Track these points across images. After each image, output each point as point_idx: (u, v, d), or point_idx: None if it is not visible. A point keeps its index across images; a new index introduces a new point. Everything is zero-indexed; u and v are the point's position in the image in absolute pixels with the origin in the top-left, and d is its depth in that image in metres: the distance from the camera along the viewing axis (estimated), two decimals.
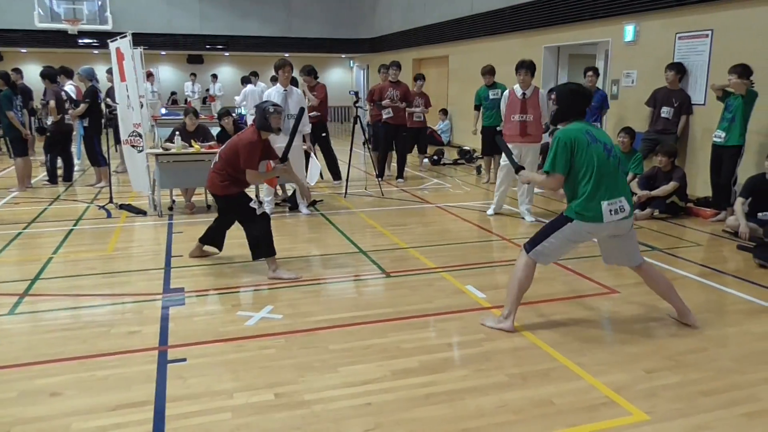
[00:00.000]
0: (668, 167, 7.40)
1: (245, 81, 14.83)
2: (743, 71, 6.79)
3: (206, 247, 5.59)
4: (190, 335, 3.91)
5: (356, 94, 9.16)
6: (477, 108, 9.85)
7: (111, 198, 7.89)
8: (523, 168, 4.33)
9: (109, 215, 7.40)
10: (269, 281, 4.98)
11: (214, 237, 5.51)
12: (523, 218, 7.30)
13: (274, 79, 15.66)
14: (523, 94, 7.08)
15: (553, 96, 4.03)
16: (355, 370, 3.45)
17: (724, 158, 7.03)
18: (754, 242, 5.87)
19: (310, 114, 8.57)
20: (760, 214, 6.33)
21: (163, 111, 16.27)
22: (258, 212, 5.11)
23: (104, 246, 6.04)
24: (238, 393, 3.18)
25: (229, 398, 3.13)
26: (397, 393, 3.20)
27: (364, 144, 9.60)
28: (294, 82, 8.11)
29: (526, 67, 7.01)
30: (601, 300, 4.63)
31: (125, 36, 7.33)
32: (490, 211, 7.56)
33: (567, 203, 3.90)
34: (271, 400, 3.12)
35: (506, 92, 7.34)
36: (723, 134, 6.98)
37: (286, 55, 22.77)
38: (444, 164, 12.05)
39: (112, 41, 7.83)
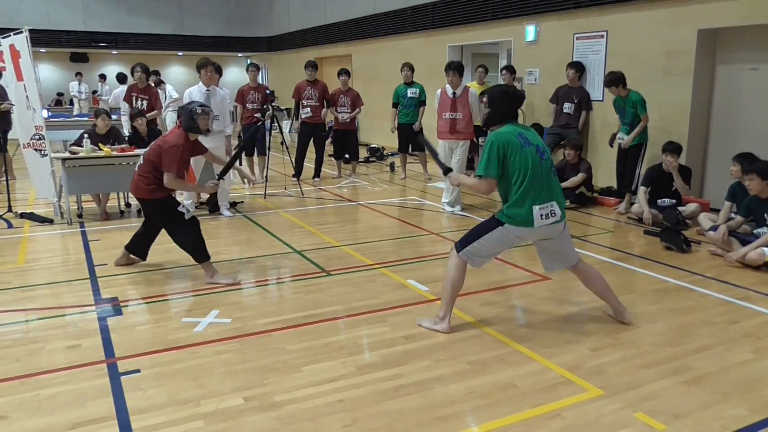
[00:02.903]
0: (575, 160, 7.88)
1: (121, 80, 13.84)
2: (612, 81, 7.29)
3: (132, 255, 5.33)
4: (137, 345, 3.73)
5: (272, 93, 9.02)
6: (394, 105, 9.92)
7: (9, 206, 7.30)
8: (451, 170, 4.26)
9: (9, 225, 6.85)
10: (207, 286, 4.83)
11: (140, 244, 5.26)
12: (443, 209, 7.55)
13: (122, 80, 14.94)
14: (453, 93, 7.34)
15: (484, 99, 3.93)
16: (319, 369, 3.44)
17: (629, 155, 7.55)
18: (659, 227, 6.39)
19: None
20: (659, 201, 6.91)
21: (45, 114, 15.15)
22: (186, 217, 4.94)
23: (13, 258, 5.60)
24: (205, 400, 3.09)
25: (196, 406, 3.03)
26: (366, 387, 3.23)
27: (282, 144, 9.44)
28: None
29: (454, 69, 7.29)
30: (536, 287, 4.88)
31: (20, 32, 6.82)
32: (449, 209, 7.57)
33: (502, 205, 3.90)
34: (241, 404, 3.06)
35: (438, 91, 7.57)
36: (625, 136, 7.47)
37: (180, 54, 22.07)
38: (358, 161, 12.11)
39: (3, 37, 7.25)
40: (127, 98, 8.32)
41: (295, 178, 9.43)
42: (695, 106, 7.46)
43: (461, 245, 3.91)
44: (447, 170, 4.22)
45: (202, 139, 6.40)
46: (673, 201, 6.80)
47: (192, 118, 4.92)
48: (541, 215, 3.69)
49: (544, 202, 3.70)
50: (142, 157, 5.02)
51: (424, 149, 9.89)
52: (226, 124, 7.21)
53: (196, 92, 6.93)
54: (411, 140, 9.80)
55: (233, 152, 5.51)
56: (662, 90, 7.69)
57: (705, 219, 6.10)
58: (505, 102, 3.86)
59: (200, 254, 4.94)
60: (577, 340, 3.85)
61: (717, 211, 6.32)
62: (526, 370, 3.43)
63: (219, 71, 7.36)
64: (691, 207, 6.73)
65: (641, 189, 6.94)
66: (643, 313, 4.27)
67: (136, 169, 5.00)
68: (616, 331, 3.98)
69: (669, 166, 6.73)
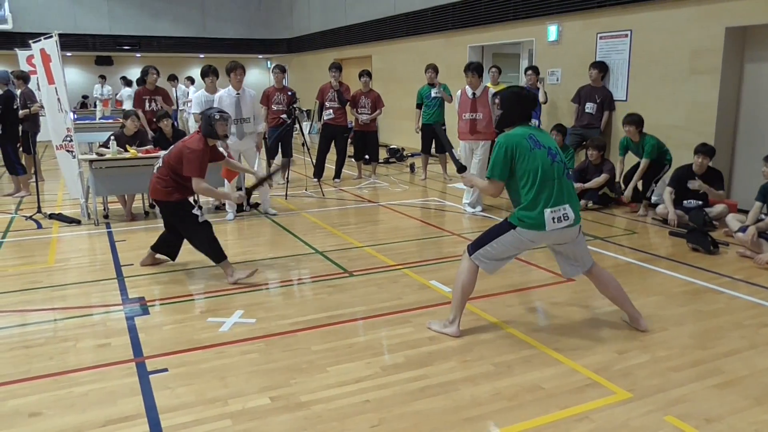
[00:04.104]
0: (598, 160, 7.81)
1: (140, 82, 14.09)
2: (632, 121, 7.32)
3: (158, 255, 5.39)
4: (165, 345, 3.78)
5: (294, 94, 9.07)
6: (418, 107, 9.92)
7: (39, 208, 7.43)
8: (466, 168, 4.13)
9: (39, 226, 6.97)
10: (231, 287, 4.86)
11: (168, 245, 5.31)
12: (464, 210, 7.56)
13: (189, 79, 15.37)
14: (473, 94, 7.34)
15: (497, 100, 3.87)
16: (344, 369, 3.45)
17: (653, 168, 7.43)
18: (685, 228, 6.31)
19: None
20: (685, 202, 6.81)
21: (71, 116, 15.38)
22: (200, 220, 4.98)
23: (44, 258, 5.70)
24: (232, 399, 3.12)
25: (224, 405, 3.06)
26: (392, 388, 3.23)
27: (303, 146, 9.48)
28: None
29: (473, 69, 7.30)
30: (560, 288, 4.84)
31: (50, 36, 6.94)
32: (470, 209, 7.59)
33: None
34: (267, 404, 3.08)
35: (458, 92, 7.58)
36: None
37: (201, 56, 22.25)
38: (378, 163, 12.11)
39: (34, 42, 7.39)
40: (139, 103, 8.18)
41: (315, 179, 9.46)
42: (722, 105, 7.35)
43: (473, 248, 3.85)
44: (461, 168, 4.10)
45: (235, 142, 6.60)
46: (700, 202, 6.70)
47: (210, 123, 4.98)
48: (553, 218, 3.61)
49: (556, 206, 3.62)
50: (161, 159, 5.10)
51: (444, 150, 9.88)
52: (258, 123, 7.34)
53: (225, 96, 7.01)
54: (434, 140, 9.81)
55: (268, 171, 5.53)
56: (688, 89, 7.60)
57: (733, 220, 6.00)
58: (517, 104, 3.79)
59: (215, 255, 4.99)
60: (604, 341, 3.82)
61: (745, 212, 6.21)
62: (552, 372, 3.41)
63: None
64: (718, 208, 6.62)
65: (667, 189, 6.84)
66: (671, 316, 4.22)
67: (155, 171, 5.08)
68: (644, 333, 3.93)
69: (699, 166, 6.61)
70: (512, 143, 3.64)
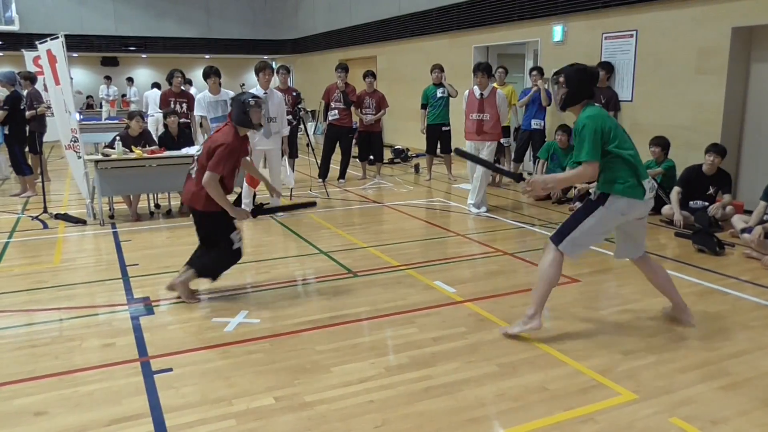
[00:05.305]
0: None
1: (154, 85, 14.32)
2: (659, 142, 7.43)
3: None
4: (170, 344, 3.78)
5: (298, 95, 9.07)
6: (423, 107, 9.92)
7: (45, 208, 7.46)
8: (524, 179, 3.83)
9: (45, 226, 6.99)
10: (236, 286, 4.86)
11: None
12: (469, 211, 7.54)
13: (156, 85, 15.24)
14: (481, 94, 7.35)
15: (561, 79, 3.71)
16: (348, 369, 3.45)
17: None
18: (691, 229, 6.28)
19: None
20: (691, 203, 6.79)
21: (77, 116, 15.41)
22: (234, 247, 4.52)
23: (50, 258, 5.72)
24: (237, 399, 3.12)
25: (228, 405, 3.06)
26: (396, 389, 3.23)
27: (307, 146, 9.48)
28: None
29: (483, 70, 7.30)
30: (565, 289, 4.82)
31: (56, 37, 6.96)
32: (474, 210, 7.58)
33: (599, 184, 3.71)
34: (272, 404, 3.08)
35: (466, 92, 7.58)
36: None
37: (207, 56, 22.29)
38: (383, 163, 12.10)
39: (41, 43, 7.42)
40: (165, 104, 8.25)
41: (320, 180, 9.47)
42: (729, 105, 7.32)
43: (559, 237, 3.79)
44: (520, 178, 3.90)
45: (261, 140, 6.43)
46: (706, 203, 6.67)
47: (244, 111, 4.44)
48: (649, 189, 3.67)
49: (646, 177, 3.69)
50: (195, 162, 4.51)
51: (449, 151, 9.89)
52: (283, 125, 7.40)
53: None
54: (438, 141, 9.82)
55: (294, 203, 4.91)
56: (694, 90, 7.57)
57: (739, 220, 5.97)
58: (583, 80, 3.70)
59: (211, 271, 4.55)
60: (609, 342, 3.80)
61: (751, 213, 6.18)
62: (557, 373, 3.40)
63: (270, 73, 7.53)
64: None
65: (674, 190, 6.81)
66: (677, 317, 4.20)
67: (193, 176, 4.48)
68: (649, 334, 3.92)
69: (709, 166, 6.58)
70: (601, 125, 3.58)
